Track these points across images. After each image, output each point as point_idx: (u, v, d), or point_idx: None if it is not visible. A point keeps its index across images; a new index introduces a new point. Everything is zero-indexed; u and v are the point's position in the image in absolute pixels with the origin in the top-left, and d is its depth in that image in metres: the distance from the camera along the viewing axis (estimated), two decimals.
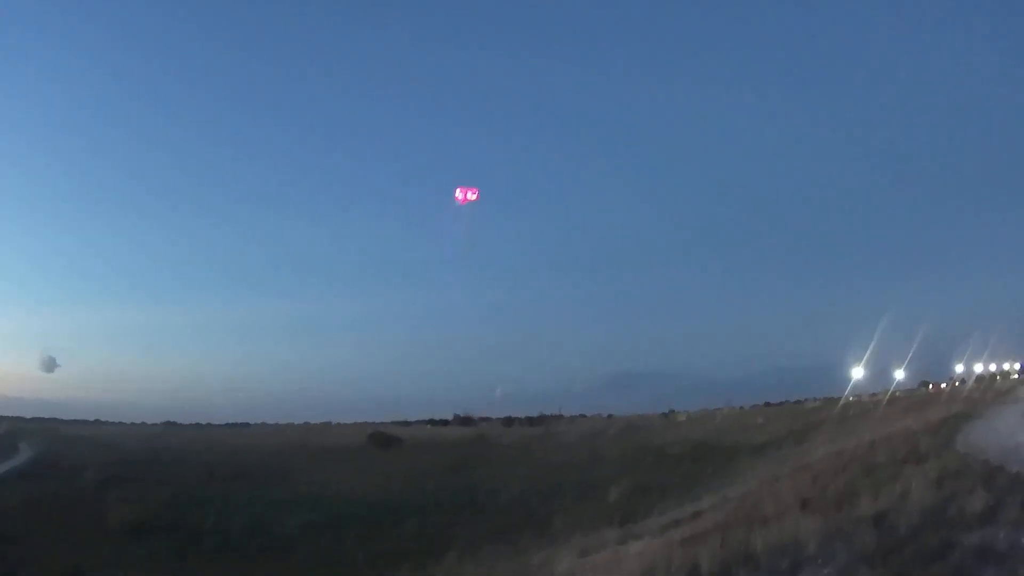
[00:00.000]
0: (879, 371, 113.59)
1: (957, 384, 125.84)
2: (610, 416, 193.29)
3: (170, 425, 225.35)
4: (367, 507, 52.30)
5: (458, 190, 49.97)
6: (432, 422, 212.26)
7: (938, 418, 43.40)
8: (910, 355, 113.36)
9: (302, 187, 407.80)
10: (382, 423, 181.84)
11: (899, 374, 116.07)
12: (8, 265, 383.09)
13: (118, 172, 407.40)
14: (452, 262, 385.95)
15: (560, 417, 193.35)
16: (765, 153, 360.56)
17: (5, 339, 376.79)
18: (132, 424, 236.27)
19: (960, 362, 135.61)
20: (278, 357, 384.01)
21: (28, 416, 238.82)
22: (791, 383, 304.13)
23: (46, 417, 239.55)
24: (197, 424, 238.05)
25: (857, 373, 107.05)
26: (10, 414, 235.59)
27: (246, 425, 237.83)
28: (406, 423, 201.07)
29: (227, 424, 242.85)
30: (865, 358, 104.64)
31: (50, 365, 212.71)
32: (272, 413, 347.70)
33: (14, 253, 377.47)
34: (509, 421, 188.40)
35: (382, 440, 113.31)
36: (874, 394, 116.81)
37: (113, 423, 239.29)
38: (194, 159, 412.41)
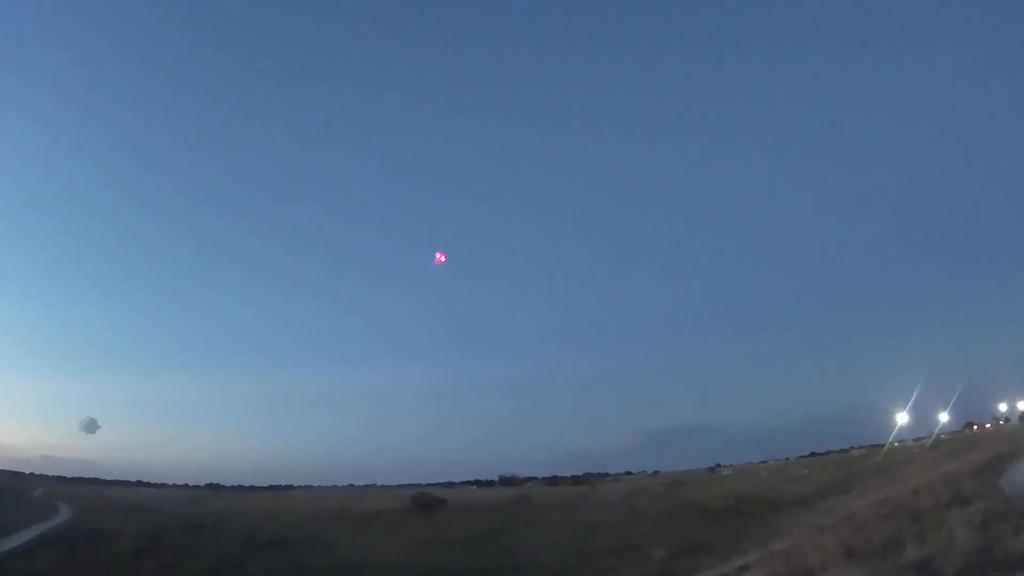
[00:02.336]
0: (924, 415, 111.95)
1: (1001, 423, 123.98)
2: (655, 473, 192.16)
3: (213, 488, 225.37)
4: (408, 574, 51.35)
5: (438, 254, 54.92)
6: (477, 483, 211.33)
7: (982, 460, 42.70)
8: (954, 398, 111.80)
9: (326, 263, 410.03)
10: (427, 485, 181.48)
11: (943, 417, 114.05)
12: (53, 331, 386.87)
13: (160, 245, 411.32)
14: (495, 330, 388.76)
15: (605, 476, 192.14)
16: (792, 203, 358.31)
17: (48, 402, 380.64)
18: (175, 486, 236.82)
19: (1003, 401, 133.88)
20: (321, 422, 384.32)
21: (69, 476, 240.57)
22: (836, 432, 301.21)
23: (87, 478, 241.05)
24: (240, 487, 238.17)
25: (901, 419, 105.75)
26: (52, 474, 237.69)
27: (289, 487, 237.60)
28: (450, 485, 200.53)
29: (270, 487, 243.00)
30: (909, 403, 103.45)
31: (91, 427, 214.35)
32: (315, 476, 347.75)
33: (58, 319, 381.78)
34: (554, 481, 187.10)
35: (425, 502, 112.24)
36: (919, 438, 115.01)
37: (155, 485, 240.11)
38: (219, 235, 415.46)
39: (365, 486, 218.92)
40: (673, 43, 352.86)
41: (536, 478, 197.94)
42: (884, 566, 18.12)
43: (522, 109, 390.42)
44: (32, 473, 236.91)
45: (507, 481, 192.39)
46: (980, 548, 16.59)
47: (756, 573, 26.61)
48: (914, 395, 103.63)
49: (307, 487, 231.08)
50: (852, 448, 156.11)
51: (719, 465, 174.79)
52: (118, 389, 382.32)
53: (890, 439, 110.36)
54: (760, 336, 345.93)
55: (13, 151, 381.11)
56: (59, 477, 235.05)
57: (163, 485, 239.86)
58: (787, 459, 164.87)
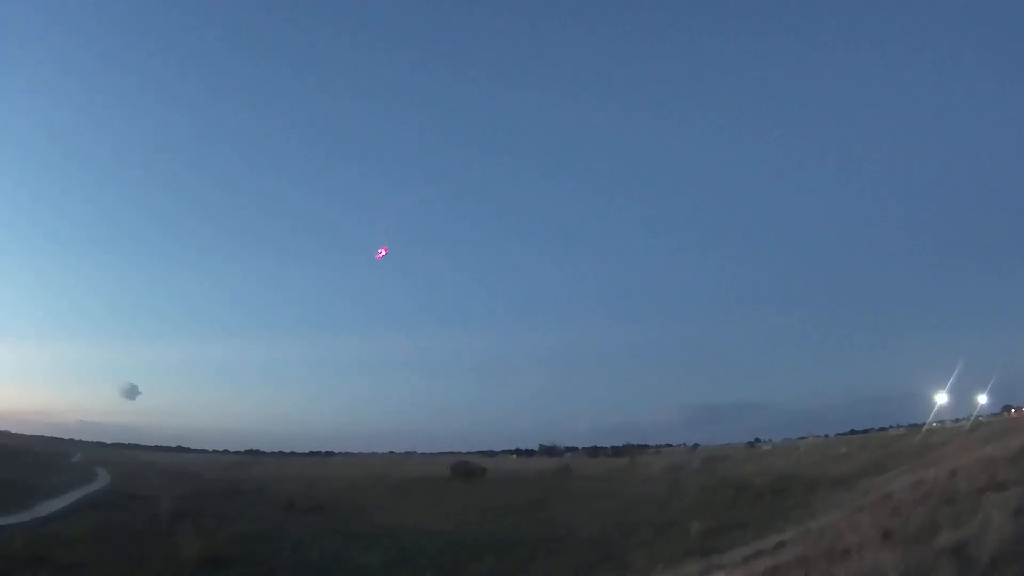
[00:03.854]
0: (962, 397, 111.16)
1: None
2: (695, 446, 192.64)
3: (253, 453, 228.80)
4: (444, 542, 51.59)
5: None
6: (517, 452, 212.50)
7: (1019, 445, 42.49)
8: (993, 380, 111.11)
9: (370, 228, 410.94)
10: (467, 453, 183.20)
11: (982, 399, 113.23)
12: (94, 297, 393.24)
13: (203, 213, 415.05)
14: (540, 299, 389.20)
15: (645, 448, 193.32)
16: (839, 179, 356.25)
17: (89, 367, 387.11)
18: (214, 452, 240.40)
19: None
20: (363, 388, 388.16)
21: (109, 442, 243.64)
22: (876, 410, 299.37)
23: (127, 443, 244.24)
24: (280, 453, 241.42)
25: (940, 399, 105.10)
26: (92, 440, 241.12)
27: (330, 454, 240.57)
28: (491, 453, 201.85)
29: (310, 453, 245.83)
30: (948, 384, 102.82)
31: (132, 393, 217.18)
32: (356, 443, 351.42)
33: (99, 285, 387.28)
34: (594, 452, 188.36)
35: (465, 471, 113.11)
36: (957, 420, 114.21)
37: (195, 450, 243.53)
38: (264, 197, 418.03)
39: (406, 454, 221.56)
40: (720, 26, 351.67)
41: (577, 448, 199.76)
42: (919, 550, 18.36)
43: (573, 86, 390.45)
44: (71, 439, 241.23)
45: (548, 451, 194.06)
46: (1015, 534, 16.83)
47: (792, 551, 26.83)
48: (953, 376, 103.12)
49: (348, 454, 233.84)
50: (891, 428, 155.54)
51: (759, 440, 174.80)
52: (159, 355, 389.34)
53: (928, 420, 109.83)
54: (804, 314, 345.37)
55: (73, 115, 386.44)
56: (98, 443, 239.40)
57: (203, 451, 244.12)
58: (826, 436, 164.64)
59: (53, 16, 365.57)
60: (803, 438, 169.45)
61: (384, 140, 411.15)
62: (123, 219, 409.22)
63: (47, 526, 54.48)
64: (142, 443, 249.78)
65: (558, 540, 49.75)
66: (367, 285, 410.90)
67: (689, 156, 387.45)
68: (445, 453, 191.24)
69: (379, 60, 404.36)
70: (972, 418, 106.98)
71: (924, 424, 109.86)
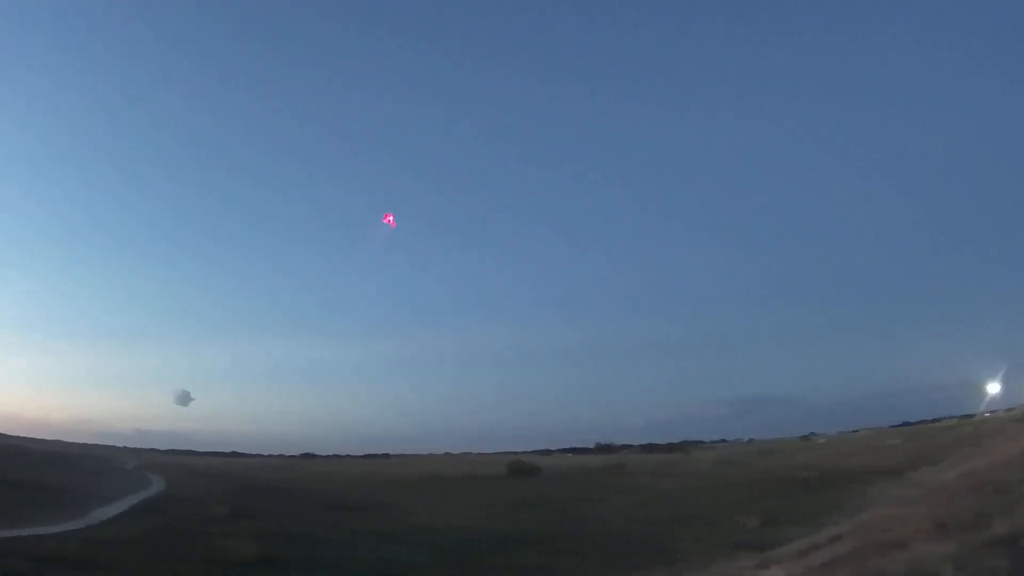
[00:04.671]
0: (1015, 386, 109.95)
1: None
2: (750, 441, 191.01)
3: (307, 457, 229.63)
4: (493, 538, 51.92)
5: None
6: (574, 451, 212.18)
7: None
8: None
9: (417, 227, 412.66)
10: (524, 453, 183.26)
11: None
12: (146, 304, 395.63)
13: (255, 218, 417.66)
14: (598, 294, 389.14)
15: (700, 443, 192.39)
16: (884, 169, 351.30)
17: (142, 374, 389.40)
18: (269, 456, 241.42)
19: None
20: (418, 389, 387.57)
21: (163, 448, 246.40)
22: (927, 401, 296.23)
23: (181, 450, 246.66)
24: (335, 455, 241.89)
25: (992, 389, 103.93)
26: (146, 447, 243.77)
27: (385, 456, 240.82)
28: (547, 452, 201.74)
29: (365, 455, 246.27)
30: (1000, 374, 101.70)
31: (185, 399, 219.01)
32: (411, 445, 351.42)
33: (151, 292, 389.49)
34: (649, 448, 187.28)
35: (520, 469, 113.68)
36: (1010, 409, 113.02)
37: (250, 455, 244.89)
38: (312, 196, 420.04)
39: (462, 454, 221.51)
40: (744, 14, 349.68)
41: (632, 445, 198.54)
42: (972, 540, 18.53)
43: (601, 80, 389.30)
44: (125, 446, 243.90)
45: (603, 448, 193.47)
46: None
47: (846, 544, 27.02)
48: (1005, 365, 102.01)
49: (403, 455, 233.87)
50: (942, 418, 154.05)
51: (813, 433, 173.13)
52: (212, 360, 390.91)
53: (980, 410, 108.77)
54: (856, 305, 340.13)
55: (109, 117, 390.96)
56: (152, 449, 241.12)
57: (257, 455, 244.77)
58: (879, 428, 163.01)
59: (60, 9, 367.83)
60: (856, 431, 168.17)
61: (421, 141, 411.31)
62: (175, 225, 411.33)
63: (100, 531, 55.62)
64: (196, 449, 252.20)
65: (608, 534, 50.16)
66: (422, 284, 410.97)
67: (727, 149, 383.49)
68: (502, 452, 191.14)
69: (409, 57, 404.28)
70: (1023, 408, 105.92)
71: (975, 414, 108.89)
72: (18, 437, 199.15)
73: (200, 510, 69.39)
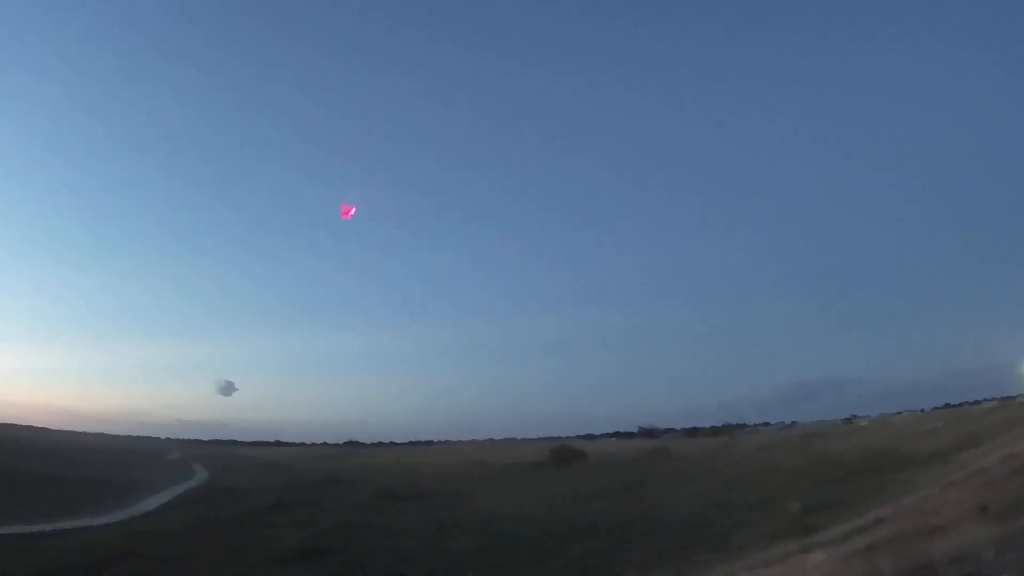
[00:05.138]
0: None
1: None
2: (792, 423, 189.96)
3: (352, 445, 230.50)
4: (541, 526, 52.40)
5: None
6: (617, 435, 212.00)
7: None
8: None
9: (458, 217, 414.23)
10: (567, 438, 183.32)
11: None
12: (187, 296, 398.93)
13: (294, 207, 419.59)
14: (636, 282, 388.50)
15: (743, 427, 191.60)
16: (928, 151, 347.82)
17: (184, 366, 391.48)
18: (313, 445, 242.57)
19: None
20: (461, 376, 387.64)
21: (207, 439, 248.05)
22: (969, 383, 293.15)
23: (225, 440, 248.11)
24: (379, 443, 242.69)
25: None
26: (190, 438, 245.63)
27: (429, 443, 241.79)
28: (591, 437, 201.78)
29: (409, 443, 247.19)
30: None
31: (228, 389, 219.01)
32: (455, 431, 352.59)
33: (192, 284, 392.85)
34: (693, 432, 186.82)
35: (565, 454, 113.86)
36: None
37: (294, 444, 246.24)
38: (353, 187, 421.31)
39: (505, 440, 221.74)
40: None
41: (675, 429, 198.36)
42: (1014, 523, 18.65)
43: (638, 76, 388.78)
44: (168, 437, 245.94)
45: (647, 433, 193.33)
46: None
47: (889, 528, 27.15)
48: None
49: (447, 442, 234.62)
50: (984, 400, 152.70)
51: (855, 417, 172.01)
52: (254, 350, 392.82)
53: (1022, 392, 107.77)
54: (897, 288, 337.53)
55: (156, 121, 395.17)
56: (196, 440, 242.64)
57: (301, 444, 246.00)
58: (921, 411, 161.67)
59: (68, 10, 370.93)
60: (898, 413, 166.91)
61: (462, 133, 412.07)
62: (214, 217, 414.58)
63: (143, 522, 56.54)
64: (240, 439, 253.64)
65: (655, 521, 50.38)
66: (457, 273, 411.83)
67: (767, 140, 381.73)
68: (545, 438, 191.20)
69: (437, 52, 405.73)
70: None
71: (1016, 396, 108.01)
72: (62, 431, 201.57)
73: (245, 500, 70.07)
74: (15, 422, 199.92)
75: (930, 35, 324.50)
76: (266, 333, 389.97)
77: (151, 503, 69.24)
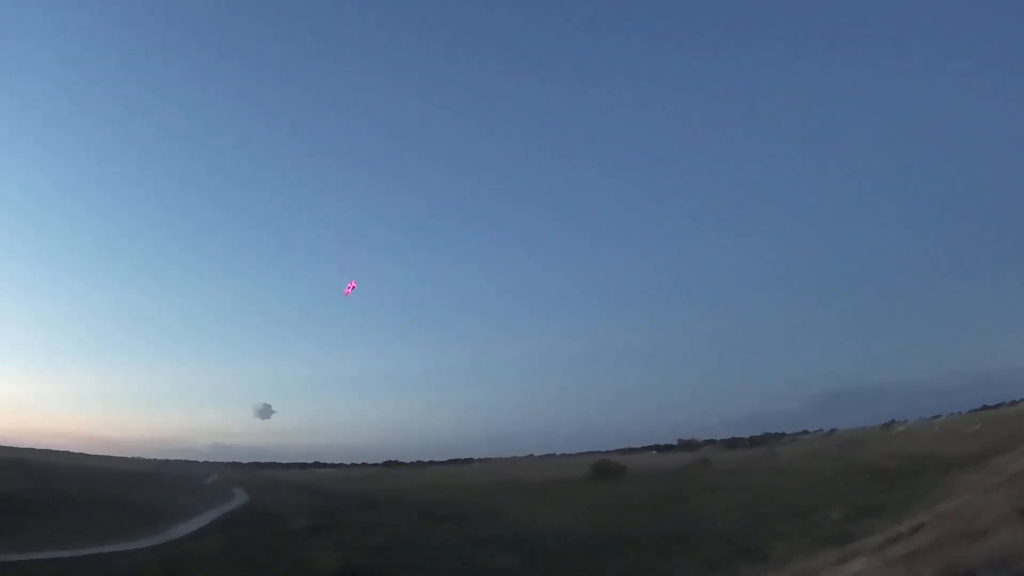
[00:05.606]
0: None
1: None
2: (832, 431, 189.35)
3: (391, 465, 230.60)
4: (581, 542, 52.53)
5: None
6: (657, 448, 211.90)
7: None
8: None
9: (492, 234, 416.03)
10: (607, 452, 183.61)
11: None
12: (222, 319, 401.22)
13: (326, 228, 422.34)
14: (671, 292, 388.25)
15: (782, 436, 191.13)
16: (950, 157, 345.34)
17: (221, 389, 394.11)
18: (352, 465, 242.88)
19: None
20: (499, 393, 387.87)
21: (245, 462, 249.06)
22: (1007, 382, 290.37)
23: (263, 462, 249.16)
24: (418, 462, 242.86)
25: None
26: (227, 460, 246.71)
27: (468, 461, 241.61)
28: (630, 451, 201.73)
29: (448, 461, 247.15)
30: None
31: (266, 412, 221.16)
32: (494, 448, 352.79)
33: (227, 307, 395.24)
34: (732, 443, 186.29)
35: (604, 470, 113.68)
36: None
37: (332, 465, 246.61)
38: (394, 212, 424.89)
39: (545, 456, 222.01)
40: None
41: (715, 441, 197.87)
42: None
43: (658, 87, 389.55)
44: (206, 461, 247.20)
45: (686, 445, 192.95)
46: None
47: (928, 534, 27.14)
48: None
49: (486, 459, 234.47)
50: (1021, 400, 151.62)
51: (893, 421, 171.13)
52: (291, 373, 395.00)
53: None
54: (933, 290, 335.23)
55: (196, 146, 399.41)
56: (233, 463, 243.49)
57: (340, 465, 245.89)
58: (959, 413, 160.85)
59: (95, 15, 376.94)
60: (936, 416, 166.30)
61: (489, 148, 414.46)
62: (251, 242, 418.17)
63: (180, 546, 56.97)
64: (278, 461, 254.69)
65: (695, 535, 50.27)
66: (497, 290, 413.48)
67: (795, 147, 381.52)
68: (585, 453, 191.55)
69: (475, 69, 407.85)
70: None
71: None
72: (99, 456, 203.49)
73: (283, 523, 70.38)
74: (52, 448, 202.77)
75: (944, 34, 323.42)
76: (303, 355, 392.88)
77: (188, 527, 69.72)
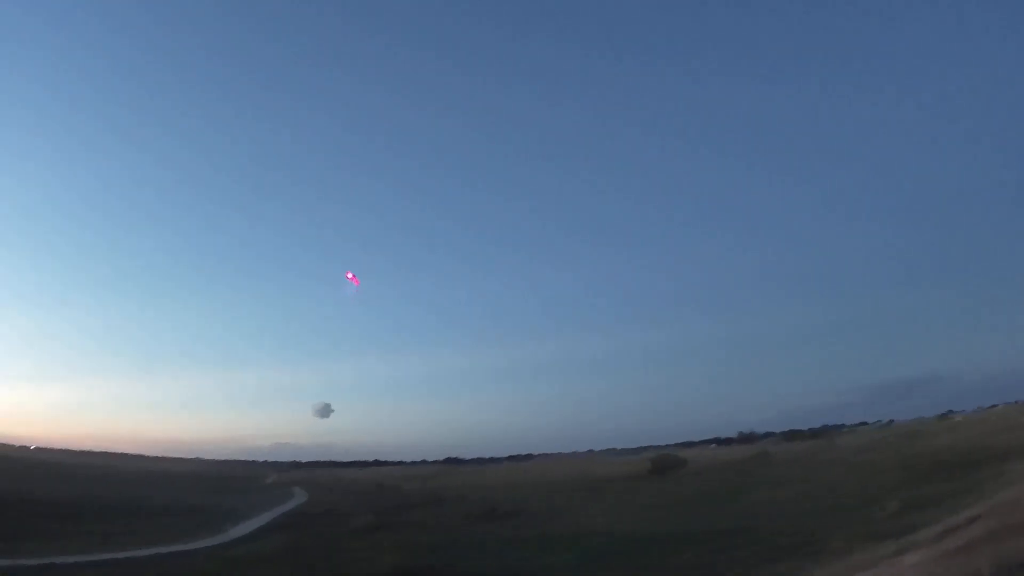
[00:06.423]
0: None
1: None
2: (890, 422, 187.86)
3: (451, 462, 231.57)
4: (637, 540, 52.79)
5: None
6: (716, 441, 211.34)
7: None
8: None
9: (550, 231, 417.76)
10: (667, 446, 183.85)
11: None
12: (283, 322, 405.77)
13: (390, 232, 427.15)
14: (733, 288, 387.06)
15: (841, 427, 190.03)
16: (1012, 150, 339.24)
17: (280, 390, 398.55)
18: (413, 463, 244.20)
19: None
20: (559, 389, 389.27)
21: (304, 461, 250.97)
22: None
23: (323, 461, 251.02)
24: (479, 459, 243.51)
25: None
26: (287, 460, 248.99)
27: (528, 457, 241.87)
28: (690, 444, 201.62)
29: (509, 457, 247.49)
30: None
31: (326, 412, 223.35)
32: (555, 444, 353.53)
33: (288, 310, 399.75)
34: (791, 435, 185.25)
35: (665, 464, 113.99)
36: None
37: (392, 463, 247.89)
38: (459, 213, 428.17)
39: (605, 451, 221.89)
40: None
41: (774, 433, 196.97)
42: None
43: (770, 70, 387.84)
44: (266, 461, 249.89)
45: (746, 438, 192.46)
46: None
47: (985, 524, 27.33)
48: None
49: (546, 455, 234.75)
50: None
51: (950, 412, 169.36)
52: (351, 373, 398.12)
53: None
54: (989, 281, 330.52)
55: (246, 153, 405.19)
56: (294, 462, 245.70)
57: (400, 463, 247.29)
58: (1016, 403, 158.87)
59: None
60: (993, 406, 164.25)
61: (576, 139, 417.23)
62: (309, 243, 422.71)
63: (238, 547, 58.09)
64: (338, 460, 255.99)
65: (755, 527, 50.76)
66: (555, 288, 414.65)
67: (870, 136, 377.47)
68: (645, 447, 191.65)
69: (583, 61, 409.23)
70: None
71: None
72: (161, 458, 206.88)
73: (343, 521, 71.27)
74: (112, 451, 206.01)
75: None
76: (362, 355, 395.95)
77: (247, 527, 70.96)
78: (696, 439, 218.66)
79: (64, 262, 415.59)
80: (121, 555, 52.80)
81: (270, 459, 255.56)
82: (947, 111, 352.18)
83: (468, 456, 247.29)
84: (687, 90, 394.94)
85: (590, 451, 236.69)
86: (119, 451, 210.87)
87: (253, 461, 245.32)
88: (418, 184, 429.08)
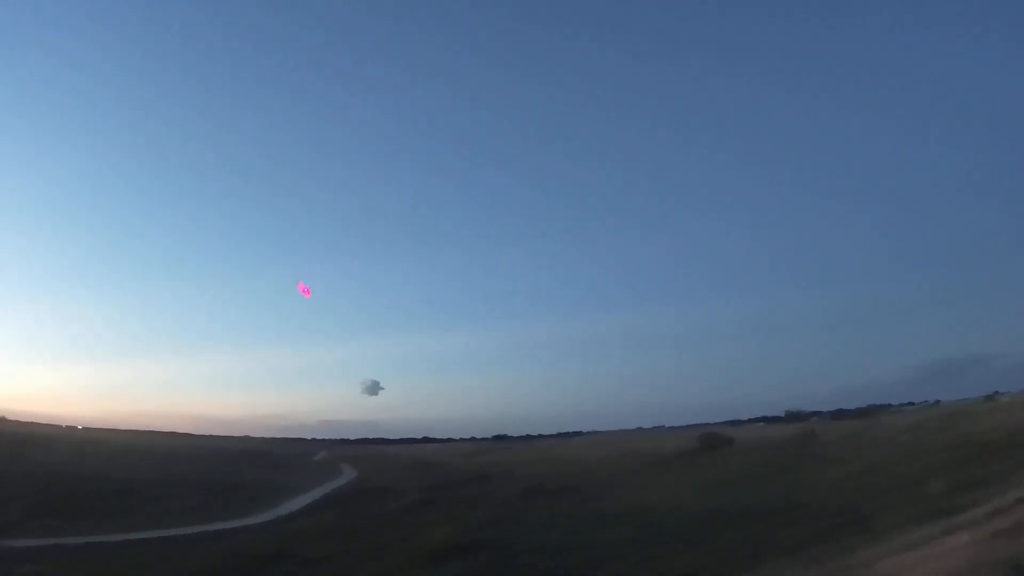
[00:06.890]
0: None
1: None
2: (937, 402, 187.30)
3: (500, 439, 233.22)
4: (689, 515, 53.83)
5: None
6: (764, 420, 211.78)
7: None
8: None
9: (580, 210, 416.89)
10: (715, 424, 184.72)
11: None
12: (330, 297, 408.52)
13: (439, 207, 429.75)
14: (778, 267, 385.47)
15: (888, 407, 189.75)
16: None
17: (328, 367, 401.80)
18: (460, 440, 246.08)
19: None
20: (608, 366, 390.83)
21: (353, 438, 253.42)
22: None
23: (371, 439, 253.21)
24: (527, 436, 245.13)
25: None
26: (335, 438, 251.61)
27: (577, 434, 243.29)
28: (738, 422, 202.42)
29: (557, 434, 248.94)
30: None
31: (374, 389, 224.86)
32: (603, 421, 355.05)
33: (335, 286, 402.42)
34: (838, 414, 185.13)
35: (711, 442, 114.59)
36: None
37: (441, 440, 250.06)
38: (488, 186, 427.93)
39: (652, 428, 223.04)
40: None
41: (822, 412, 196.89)
42: None
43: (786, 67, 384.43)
44: (314, 438, 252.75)
45: (793, 416, 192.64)
46: None
47: None
48: None
49: (595, 432, 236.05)
50: None
51: (996, 392, 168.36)
52: (398, 348, 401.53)
53: None
54: None
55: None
56: (342, 440, 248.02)
57: (448, 440, 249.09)
58: None
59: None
60: None
61: (598, 131, 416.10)
62: (354, 219, 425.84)
63: (291, 523, 59.48)
64: (386, 437, 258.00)
65: (801, 506, 51.36)
66: (604, 264, 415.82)
67: (896, 120, 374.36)
68: (693, 425, 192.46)
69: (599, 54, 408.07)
70: None
71: None
72: (208, 436, 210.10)
73: (393, 499, 72.49)
74: (159, 429, 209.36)
75: None
76: (410, 332, 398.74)
77: (296, 504, 72.41)
78: (743, 417, 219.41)
79: (108, 244, 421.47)
80: (178, 532, 54.39)
81: (318, 436, 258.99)
82: None
83: (517, 433, 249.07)
84: (685, 88, 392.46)
85: (638, 428, 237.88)
86: (168, 429, 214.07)
87: (301, 439, 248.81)
88: (457, 168, 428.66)
